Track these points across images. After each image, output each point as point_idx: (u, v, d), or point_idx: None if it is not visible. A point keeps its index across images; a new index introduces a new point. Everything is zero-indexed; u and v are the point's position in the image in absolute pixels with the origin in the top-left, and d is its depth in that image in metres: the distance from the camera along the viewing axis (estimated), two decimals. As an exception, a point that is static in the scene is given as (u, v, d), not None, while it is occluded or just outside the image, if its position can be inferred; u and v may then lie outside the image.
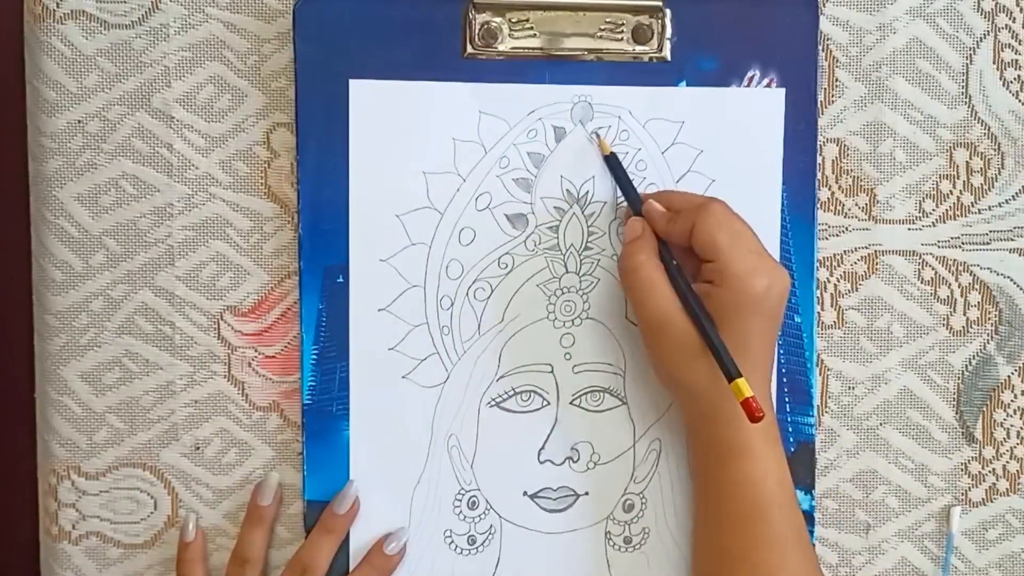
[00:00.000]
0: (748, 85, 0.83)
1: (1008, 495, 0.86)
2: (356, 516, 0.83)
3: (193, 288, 0.84)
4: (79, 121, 0.84)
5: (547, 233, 0.84)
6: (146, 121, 0.84)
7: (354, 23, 0.82)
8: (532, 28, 0.83)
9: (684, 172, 0.84)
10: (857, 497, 0.86)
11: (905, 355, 0.85)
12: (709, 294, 0.78)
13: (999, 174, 0.86)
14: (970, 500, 0.86)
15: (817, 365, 0.85)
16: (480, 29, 0.82)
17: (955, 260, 0.85)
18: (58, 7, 0.83)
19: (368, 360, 0.83)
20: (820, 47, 0.84)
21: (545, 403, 0.84)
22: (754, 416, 0.74)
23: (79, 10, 0.83)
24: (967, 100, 0.85)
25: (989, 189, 0.86)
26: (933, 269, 0.85)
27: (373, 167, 0.83)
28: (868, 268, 0.85)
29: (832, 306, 0.85)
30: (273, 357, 0.85)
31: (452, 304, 0.83)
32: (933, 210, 0.85)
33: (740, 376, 0.75)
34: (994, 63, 0.85)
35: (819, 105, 0.84)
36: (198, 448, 0.85)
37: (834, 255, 0.85)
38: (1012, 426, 0.86)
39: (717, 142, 0.84)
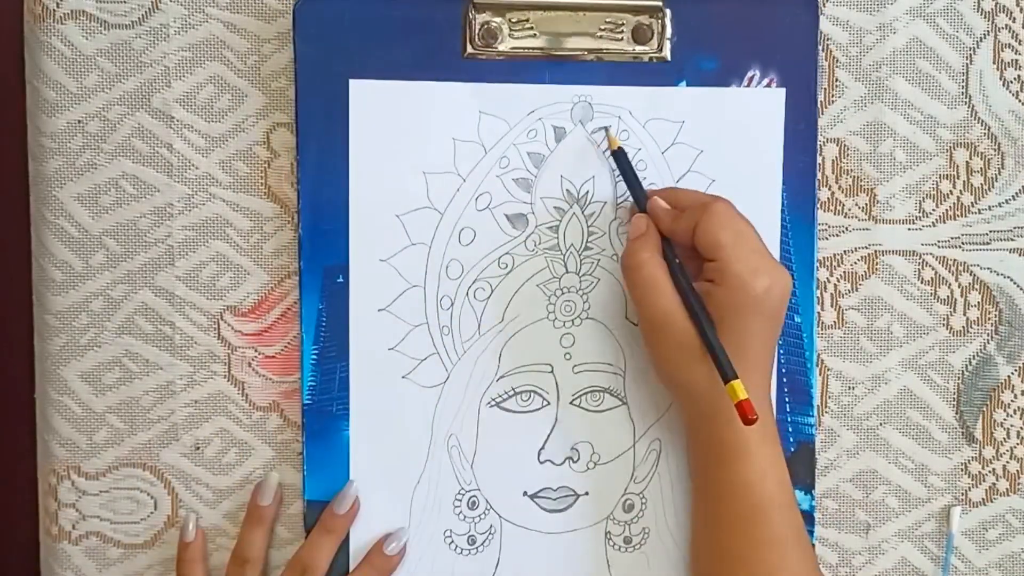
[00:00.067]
0: (748, 85, 0.83)
1: (1008, 495, 0.86)
2: (356, 516, 0.83)
3: (193, 288, 0.84)
4: (79, 121, 0.84)
5: (547, 233, 0.84)
6: (146, 121, 0.84)
7: (354, 23, 0.82)
8: (532, 28, 0.83)
9: (684, 172, 0.84)
10: (857, 497, 0.86)
11: (905, 355, 0.86)
12: (710, 293, 0.78)
13: (999, 174, 0.86)
14: (970, 500, 0.86)
15: (817, 365, 0.85)
16: (480, 29, 0.82)
17: (955, 260, 0.85)
18: (58, 7, 0.83)
19: (368, 360, 0.83)
20: (820, 47, 0.84)
21: (545, 403, 0.84)
22: (748, 419, 0.74)
23: (79, 10, 0.83)
24: (967, 100, 0.85)
25: (989, 189, 0.86)
26: (933, 269, 0.85)
27: (373, 167, 0.83)
28: (868, 268, 0.85)
29: (832, 306, 0.85)
30: (273, 357, 0.85)
31: (452, 304, 0.83)
32: (933, 210, 0.85)
33: (736, 378, 0.75)
34: (994, 63, 0.85)
35: (819, 105, 0.84)
36: (198, 448, 0.85)
37: (834, 255, 0.85)
38: (1012, 426, 0.86)
39: (717, 142, 0.84)
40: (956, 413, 0.86)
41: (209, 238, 0.84)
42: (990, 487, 0.86)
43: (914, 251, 0.85)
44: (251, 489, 0.84)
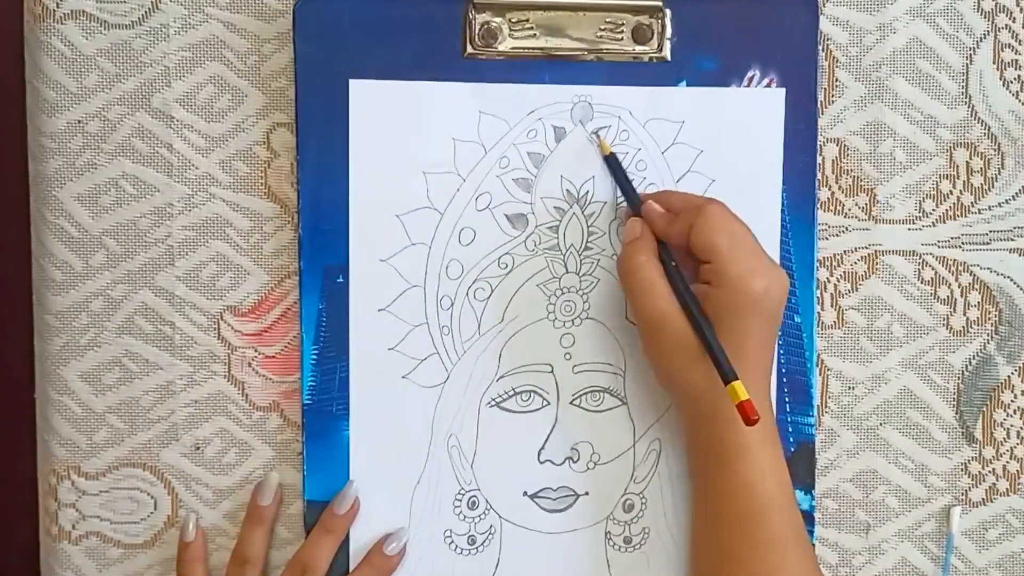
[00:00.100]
0: (748, 85, 0.83)
1: (1008, 495, 0.86)
2: (356, 516, 0.83)
3: (193, 288, 0.84)
4: (79, 121, 0.84)
5: (547, 233, 0.84)
6: (146, 121, 0.84)
7: (354, 23, 0.82)
8: (532, 28, 0.83)
9: (684, 172, 0.84)
10: (857, 497, 0.86)
11: (905, 355, 0.85)
12: (707, 295, 0.78)
13: (999, 174, 0.86)
14: (970, 500, 0.86)
15: (817, 365, 0.85)
16: (480, 29, 0.82)
17: (955, 260, 0.85)
18: (58, 7, 0.83)
19: (368, 360, 0.83)
20: (820, 47, 0.84)
21: (545, 403, 0.84)
22: (749, 420, 0.74)
23: (79, 10, 0.83)
24: (967, 100, 0.85)
25: (989, 189, 0.86)
26: (933, 269, 0.85)
27: (373, 167, 0.83)
28: (868, 268, 0.85)
29: (832, 306, 0.85)
30: (273, 357, 0.85)
31: (452, 304, 0.83)
32: (933, 210, 0.85)
33: (736, 379, 0.75)
34: (994, 63, 0.85)
35: (819, 105, 0.84)
36: (198, 448, 0.85)
37: (834, 255, 0.85)
38: (1012, 426, 0.86)
39: (717, 142, 0.84)
40: (956, 413, 0.86)
41: (209, 238, 0.84)
42: (990, 487, 0.86)
43: (914, 251, 0.85)
44: (251, 489, 0.84)
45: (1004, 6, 0.85)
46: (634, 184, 0.83)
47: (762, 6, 0.83)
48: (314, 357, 0.83)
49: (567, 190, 0.83)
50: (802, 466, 0.84)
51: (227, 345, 0.84)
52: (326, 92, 0.82)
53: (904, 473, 0.86)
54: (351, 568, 0.83)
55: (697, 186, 0.84)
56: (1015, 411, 0.86)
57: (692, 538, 0.82)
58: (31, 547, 0.87)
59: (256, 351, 0.85)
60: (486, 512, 0.84)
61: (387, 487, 0.83)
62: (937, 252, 0.85)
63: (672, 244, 0.80)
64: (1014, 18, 0.85)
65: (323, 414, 0.83)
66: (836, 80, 0.85)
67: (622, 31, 0.83)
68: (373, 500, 0.83)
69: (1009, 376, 0.86)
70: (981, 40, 0.85)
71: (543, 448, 0.84)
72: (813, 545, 0.84)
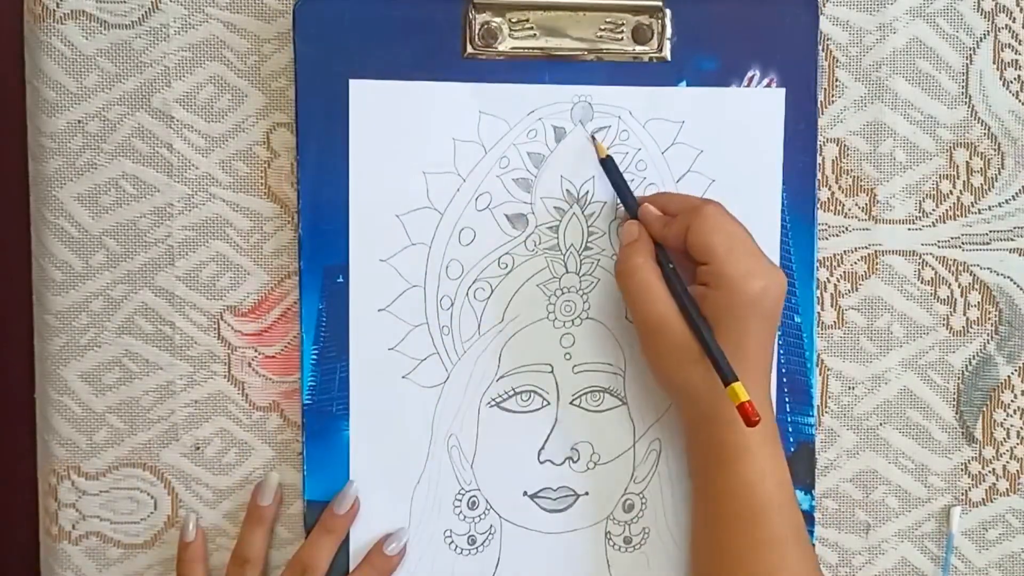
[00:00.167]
0: (748, 85, 0.83)
1: (1008, 495, 0.86)
2: (356, 516, 0.83)
3: (193, 288, 0.84)
4: (79, 121, 0.84)
5: (547, 233, 0.84)
6: (146, 121, 0.84)
7: (354, 23, 0.82)
8: (532, 28, 0.83)
9: (684, 172, 0.84)
10: (857, 497, 0.86)
11: (905, 355, 0.86)
12: (705, 297, 0.78)
13: (999, 174, 0.86)
14: (970, 500, 0.86)
15: (817, 365, 0.85)
16: (480, 29, 0.82)
17: (955, 260, 0.85)
18: (58, 7, 0.83)
19: (368, 360, 0.83)
20: (820, 47, 0.84)
21: (545, 403, 0.84)
22: (750, 421, 0.74)
23: (79, 10, 0.83)
24: (967, 100, 0.85)
25: (989, 189, 0.86)
26: (933, 269, 0.85)
27: (373, 167, 0.83)
28: (868, 268, 0.85)
29: (832, 306, 0.85)
30: (273, 357, 0.85)
31: (452, 304, 0.83)
32: (933, 210, 0.85)
33: (736, 380, 0.75)
34: (994, 63, 0.85)
35: (819, 105, 0.84)
36: (198, 448, 0.85)
37: (834, 255, 0.85)
38: (1012, 426, 0.86)
39: (717, 142, 0.84)
40: (956, 413, 0.86)
41: (209, 238, 0.84)
42: (990, 487, 0.86)
43: (914, 251, 0.85)
44: (251, 489, 0.84)
45: (1004, 6, 0.85)
46: (634, 184, 0.83)
47: (762, 6, 0.83)
48: (314, 357, 0.83)
49: (567, 190, 0.83)
50: (802, 466, 0.84)
51: (227, 345, 0.84)
52: (326, 92, 0.82)
53: (904, 473, 0.86)
54: (351, 568, 0.83)
55: (697, 186, 0.84)
56: (1015, 411, 0.86)
57: (692, 538, 0.82)
58: (31, 547, 0.87)
59: (256, 351, 0.85)
60: (486, 512, 0.84)
61: (387, 487, 0.83)
62: (937, 252, 0.85)
63: (669, 246, 0.80)
64: (1014, 18, 0.85)
65: (323, 414, 0.83)
66: (836, 80, 0.85)
67: (622, 31, 0.83)
68: (373, 500, 0.83)
69: (1009, 376, 0.86)
70: (981, 40, 0.85)
71: (543, 448, 0.84)
72: (813, 545, 0.84)
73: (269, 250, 0.84)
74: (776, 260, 0.83)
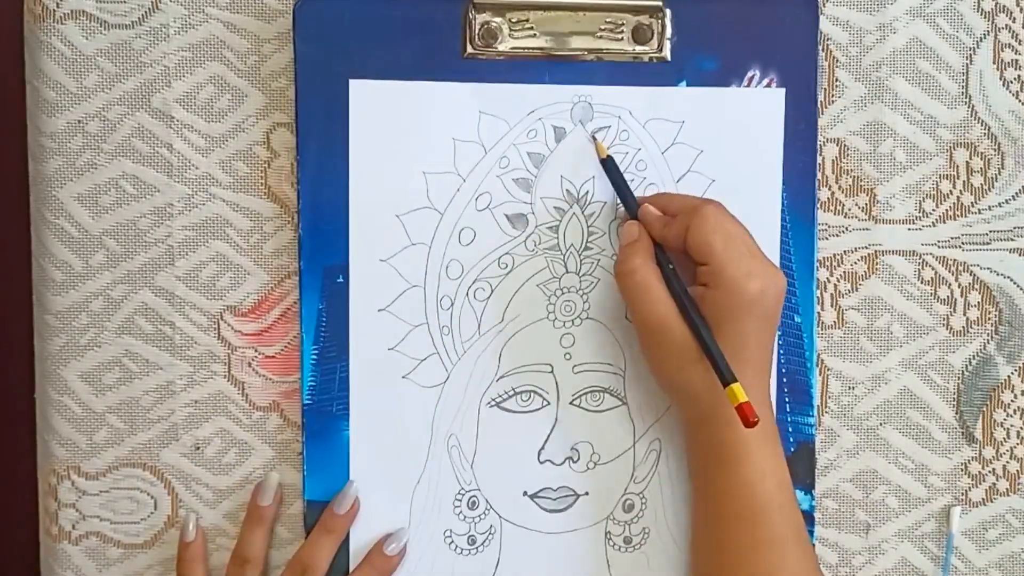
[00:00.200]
0: (748, 85, 0.83)
1: (1008, 495, 0.86)
2: (356, 516, 0.83)
3: (193, 288, 0.84)
4: (79, 121, 0.84)
5: (547, 233, 0.84)
6: (146, 121, 0.84)
7: (354, 23, 0.82)
8: (532, 28, 0.83)
9: (684, 172, 0.84)
10: (857, 497, 0.86)
11: (905, 355, 0.86)
12: (704, 297, 0.78)
13: (999, 174, 0.86)
14: (970, 500, 0.86)
15: (817, 365, 0.85)
16: (480, 29, 0.82)
17: (955, 260, 0.85)
18: (58, 7, 0.83)
19: (368, 360, 0.83)
20: (820, 47, 0.84)
21: (545, 403, 0.84)
22: (749, 422, 0.74)
23: (79, 10, 0.83)
24: (967, 100, 0.85)
25: (989, 189, 0.86)
26: (933, 269, 0.85)
27: (373, 167, 0.83)
28: (868, 268, 0.85)
29: (832, 306, 0.85)
30: (273, 357, 0.85)
31: (452, 304, 0.83)
32: (933, 210, 0.85)
33: (735, 381, 0.75)
34: (994, 63, 0.85)
35: (819, 105, 0.84)
36: (198, 448, 0.85)
37: (834, 255, 0.85)
38: (1012, 426, 0.86)
39: (717, 142, 0.84)
40: (956, 413, 0.86)
41: (209, 238, 0.84)
42: (990, 487, 0.86)
43: (914, 251, 0.85)
44: (251, 489, 0.84)
45: (1004, 6, 0.85)
46: (634, 185, 0.83)
47: (762, 6, 0.83)
48: (314, 357, 0.83)
49: (567, 190, 0.83)
50: (802, 466, 0.84)
51: (227, 345, 0.84)
52: (326, 92, 0.82)
53: (904, 473, 0.86)
54: (351, 568, 0.83)
55: (697, 186, 0.84)
56: (1015, 411, 0.86)
57: (692, 538, 0.82)
58: (31, 547, 0.87)
59: (256, 351, 0.85)
60: (486, 512, 0.84)
61: (387, 487, 0.83)
62: (937, 252, 0.85)
63: (670, 247, 0.80)
64: (1014, 18, 0.85)
65: (323, 414, 0.83)
66: (836, 80, 0.85)
67: (622, 31, 0.83)
68: (373, 500, 0.83)
69: (1009, 376, 0.86)
70: (981, 40, 0.85)
71: (543, 448, 0.84)
72: (813, 545, 0.84)
73: (269, 250, 0.84)
74: (776, 260, 0.83)
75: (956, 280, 0.85)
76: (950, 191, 0.85)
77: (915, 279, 0.85)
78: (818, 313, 0.85)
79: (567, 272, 0.84)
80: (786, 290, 0.79)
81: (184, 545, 0.84)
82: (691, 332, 0.77)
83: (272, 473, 0.84)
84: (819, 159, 0.85)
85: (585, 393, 0.84)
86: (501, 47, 0.83)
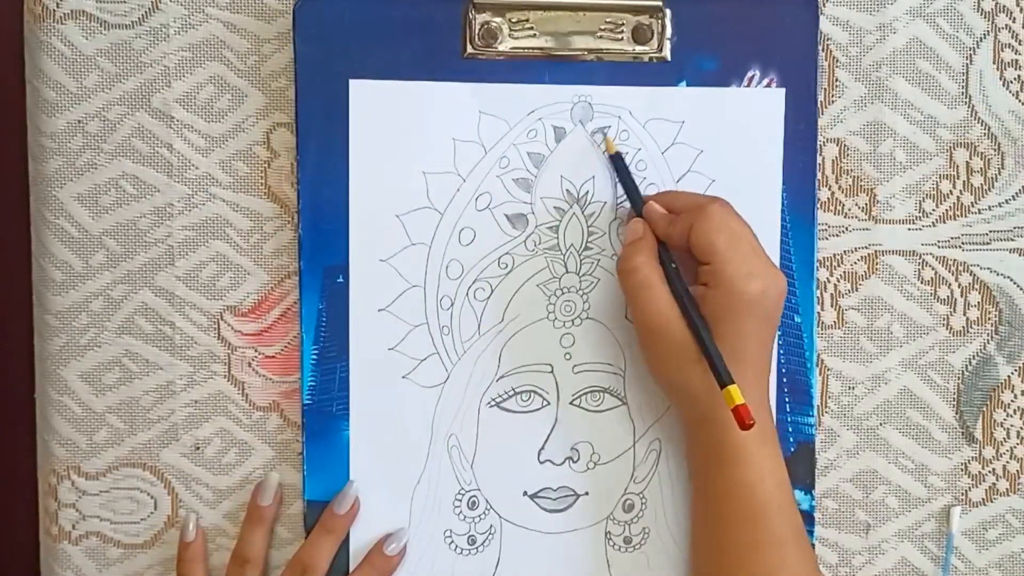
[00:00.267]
0: (748, 85, 0.83)
1: (1008, 495, 0.86)
2: (356, 516, 0.83)
3: (193, 288, 0.84)
4: (79, 121, 0.84)
5: (547, 233, 0.84)
6: (146, 121, 0.84)
7: (354, 23, 0.82)
8: (532, 28, 0.83)
9: (684, 172, 0.84)
10: (857, 497, 0.86)
11: (905, 355, 0.86)
12: (704, 297, 0.78)
13: (999, 174, 0.86)
14: (970, 500, 0.86)
15: (817, 365, 0.85)
16: (480, 29, 0.82)
17: (955, 260, 0.85)
18: (58, 7, 0.83)
19: (368, 360, 0.83)
20: (820, 47, 0.84)
21: (545, 403, 0.84)
22: (744, 424, 0.74)
23: (79, 10, 0.83)
24: (967, 100, 0.85)
25: (989, 189, 0.86)
26: (933, 269, 0.85)
27: (373, 167, 0.83)
28: (868, 268, 0.85)
29: (832, 306, 0.85)
30: (273, 357, 0.85)
31: (452, 304, 0.83)
32: (933, 210, 0.85)
33: (732, 383, 0.75)
34: (994, 63, 0.85)
35: (819, 105, 0.84)
36: (198, 448, 0.85)
37: (834, 255, 0.85)
38: (1012, 426, 0.86)
39: (717, 142, 0.84)
40: (956, 413, 0.86)
41: (209, 238, 0.84)
42: (990, 487, 0.86)
43: (914, 251, 0.85)
44: (251, 489, 0.84)
45: (1004, 6, 0.85)
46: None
47: (762, 6, 0.83)
48: (314, 357, 0.83)
49: (567, 190, 0.83)
50: (802, 466, 0.84)
51: (227, 345, 0.84)
52: (326, 92, 0.82)
53: (904, 473, 0.86)
54: (351, 568, 0.83)
55: (697, 186, 0.84)
56: (1015, 411, 0.86)
57: (692, 538, 0.82)
58: (31, 547, 0.87)
59: (256, 351, 0.85)
60: (486, 512, 0.84)
61: (387, 487, 0.83)
62: (937, 252, 0.85)
63: (673, 245, 0.79)
64: (1014, 18, 0.85)
65: (323, 414, 0.83)
66: (836, 80, 0.85)
67: (622, 31, 0.83)
68: (373, 500, 0.83)
69: (1009, 376, 0.86)
70: (981, 40, 0.85)
71: (543, 448, 0.84)
72: (813, 545, 0.84)
73: (269, 250, 0.84)
74: (776, 260, 0.83)
75: (956, 280, 0.85)
76: (950, 191, 0.85)
77: (915, 279, 0.85)
78: (818, 313, 0.85)
79: (567, 272, 0.84)
80: (787, 291, 0.79)
81: (184, 545, 0.84)
82: (691, 332, 0.77)
83: (272, 473, 0.84)
84: (819, 159, 0.85)
85: (585, 393, 0.84)
86: (501, 47, 0.83)
